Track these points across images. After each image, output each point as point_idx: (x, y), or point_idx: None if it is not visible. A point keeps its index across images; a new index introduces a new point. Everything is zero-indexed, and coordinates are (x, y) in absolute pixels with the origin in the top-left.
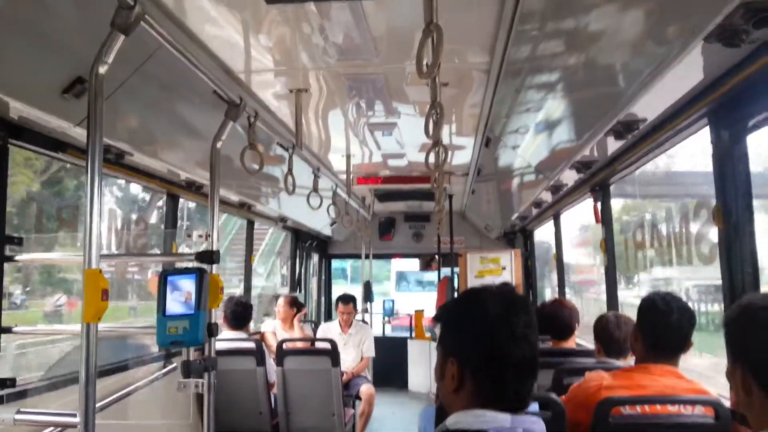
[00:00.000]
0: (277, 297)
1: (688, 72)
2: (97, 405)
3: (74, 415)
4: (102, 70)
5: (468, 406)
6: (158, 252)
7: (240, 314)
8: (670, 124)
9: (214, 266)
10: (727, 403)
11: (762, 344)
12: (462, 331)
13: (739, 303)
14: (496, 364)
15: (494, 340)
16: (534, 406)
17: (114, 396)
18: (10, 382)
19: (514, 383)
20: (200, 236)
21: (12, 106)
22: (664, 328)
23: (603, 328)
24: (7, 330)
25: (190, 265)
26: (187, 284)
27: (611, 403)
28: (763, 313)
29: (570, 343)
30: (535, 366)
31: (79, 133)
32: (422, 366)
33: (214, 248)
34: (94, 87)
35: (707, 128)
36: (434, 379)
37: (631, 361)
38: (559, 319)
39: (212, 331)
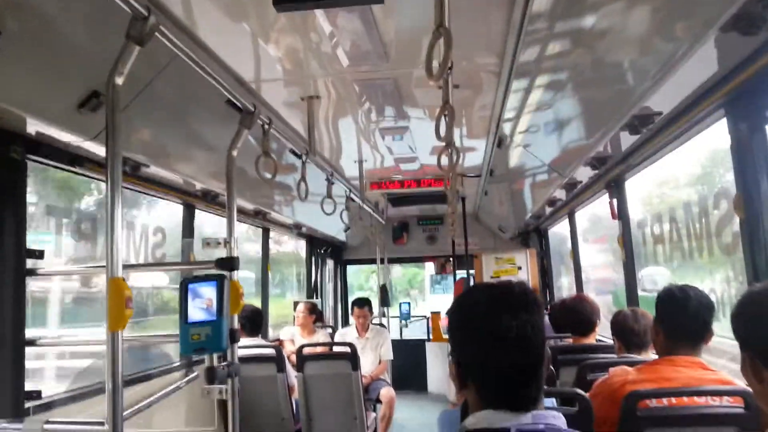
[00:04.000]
0: (295, 304)
1: (703, 62)
2: (124, 413)
3: (102, 424)
4: (119, 81)
5: (476, 404)
6: (178, 261)
7: (254, 321)
8: (685, 117)
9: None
10: None
11: (765, 327)
12: (457, 331)
13: (743, 294)
14: (487, 370)
15: (481, 345)
16: (551, 401)
17: (140, 404)
18: (36, 394)
19: (509, 386)
20: (219, 243)
21: (29, 122)
22: (682, 316)
23: (621, 324)
24: (32, 342)
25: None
26: (208, 291)
27: (638, 397)
28: (763, 294)
29: (591, 339)
30: (536, 368)
31: (95, 147)
32: (441, 368)
33: (234, 254)
34: (111, 98)
35: (724, 119)
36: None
37: (652, 355)
38: (580, 314)
39: (234, 336)
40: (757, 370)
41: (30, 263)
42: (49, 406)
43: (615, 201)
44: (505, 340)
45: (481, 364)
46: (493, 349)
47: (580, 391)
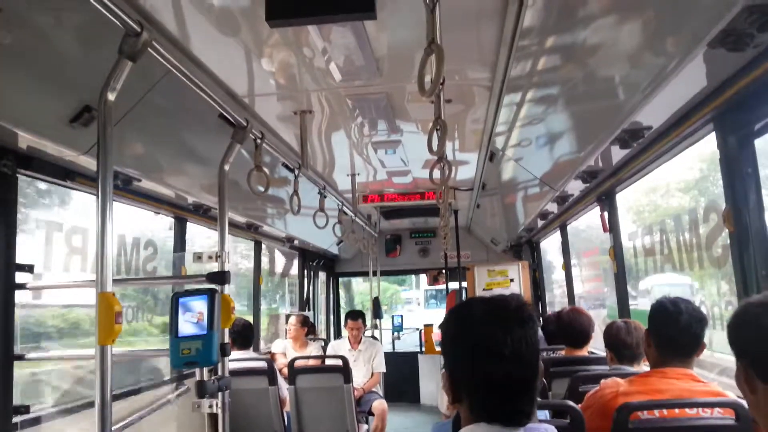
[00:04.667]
0: (287, 317)
1: (692, 78)
2: (113, 428)
3: None
4: (111, 96)
5: (469, 418)
6: (169, 275)
7: (245, 334)
8: (675, 131)
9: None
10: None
11: (759, 338)
12: (450, 346)
13: (739, 305)
14: (481, 385)
15: (478, 362)
16: (544, 414)
17: (129, 418)
18: (24, 409)
19: (504, 401)
20: (210, 257)
21: (21, 137)
22: (674, 329)
23: (614, 336)
24: (20, 357)
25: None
26: (199, 305)
27: (630, 409)
28: (757, 308)
29: (584, 352)
30: (530, 382)
31: (87, 161)
32: (433, 380)
33: (225, 269)
34: (103, 114)
35: (713, 134)
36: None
37: (644, 367)
38: (576, 326)
39: (225, 350)
40: (751, 380)
41: (19, 277)
42: (37, 420)
43: (606, 214)
44: (499, 355)
45: (475, 379)
46: (488, 364)
47: (571, 403)
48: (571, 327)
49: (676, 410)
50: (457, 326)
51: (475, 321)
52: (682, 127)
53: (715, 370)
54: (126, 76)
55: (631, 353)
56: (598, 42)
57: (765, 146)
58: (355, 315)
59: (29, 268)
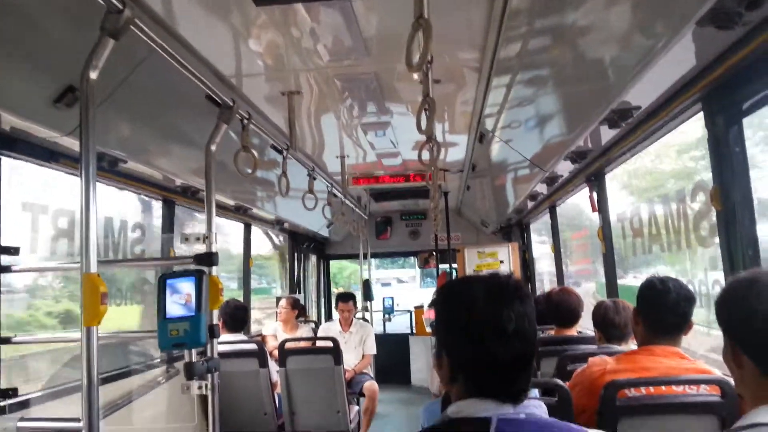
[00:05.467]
0: (278, 299)
1: (681, 57)
2: (101, 411)
3: (78, 421)
4: (93, 75)
5: (465, 396)
6: (157, 257)
7: (238, 317)
8: (664, 111)
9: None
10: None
11: (745, 315)
12: (450, 327)
13: (727, 282)
14: (486, 364)
15: (483, 341)
16: (534, 392)
17: (118, 402)
18: (12, 392)
19: (508, 379)
20: (197, 239)
21: (3, 117)
22: (662, 308)
23: (602, 315)
24: (6, 340)
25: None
26: (187, 287)
27: (617, 386)
28: (744, 285)
29: (572, 331)
30: (531, 360)
31: (72, 143)
32: (424, 361)
33: (212, 250)
34: (86, 93)
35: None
36: (433, 366)
37: (632, 345)
38: (566, 306)
39: (214, 332)
40: (737, 355)
41: (4, 260)
42: (25, 404)
43: (595, 194)
44: (504, 333)
45: (477, 358)
46: (493, 342)
47: (559, 381)
48: (560, 307)
49: (663, 387)
50: (455, 306)
51: (476, 300)
52: (670, 106)
53: None
54: (109, 54)
55: (619, 332)
56: (587, 22)
57: (752, 125)
58: (346, 297)
59: (15, 251)
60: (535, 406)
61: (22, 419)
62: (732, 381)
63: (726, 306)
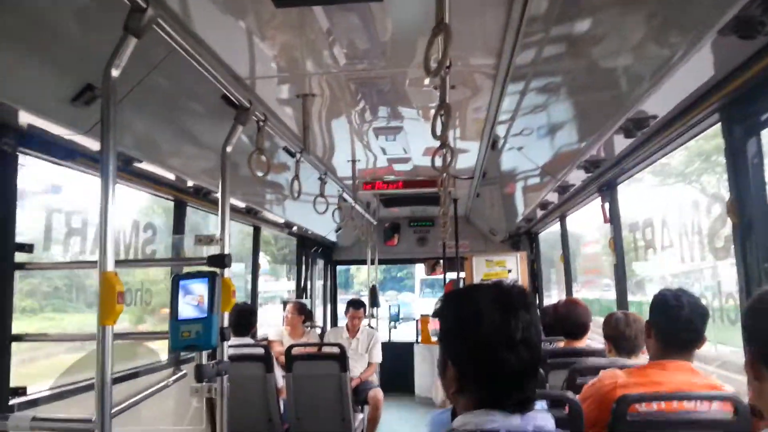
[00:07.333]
0: (285, 304)
1: (700, 67)
2: (112, 410)
3: (90, 420)
4: (115, 73)
5: (471, 407)
6: (169, 257)
7: (245, 321)
8: (680, 121)
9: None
10: (746, 399)
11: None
12: (457, 337)
13: (757, 292)
14: (493, 373)
15: (491, 350)
16: (542, 404)
17: (129, 401)
18: (21, 391)
19: (516, 388)
20: (211, 240)
21: (21, 114)
22: (675, 323)
23: (613, 327)
24: (19, 338)
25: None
26: (200, 288)
27: (629, 401)
28: None
29: (582, 343)
30: (537, 367)
31: (88, 141)
32: (428, 370)
33: (226, 251)
34: (107, 90)
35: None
36: (437, 375)
37: (642, 358)
38: (574, 318)
39: (224, 335)
40: (757, 367)
41: (19, 257)
42: (34, 403)
43: (607, 205)
44: (512, 341)
45: (486, 368)
46: (501, 351)
47: (570, 394)
48: (567, 319)
49: (675, 403)
50: (461, 315)
51: (482, 309)
52: (688, 116)
53: None
54: (130, 53)
55: (629, 345)
56: (604, 30)
57: None
58: (358, 304)
59: (29, 248)
60: (542, 418)
61: (35, 418)
62: (748, 391)
63: (753, 316)
